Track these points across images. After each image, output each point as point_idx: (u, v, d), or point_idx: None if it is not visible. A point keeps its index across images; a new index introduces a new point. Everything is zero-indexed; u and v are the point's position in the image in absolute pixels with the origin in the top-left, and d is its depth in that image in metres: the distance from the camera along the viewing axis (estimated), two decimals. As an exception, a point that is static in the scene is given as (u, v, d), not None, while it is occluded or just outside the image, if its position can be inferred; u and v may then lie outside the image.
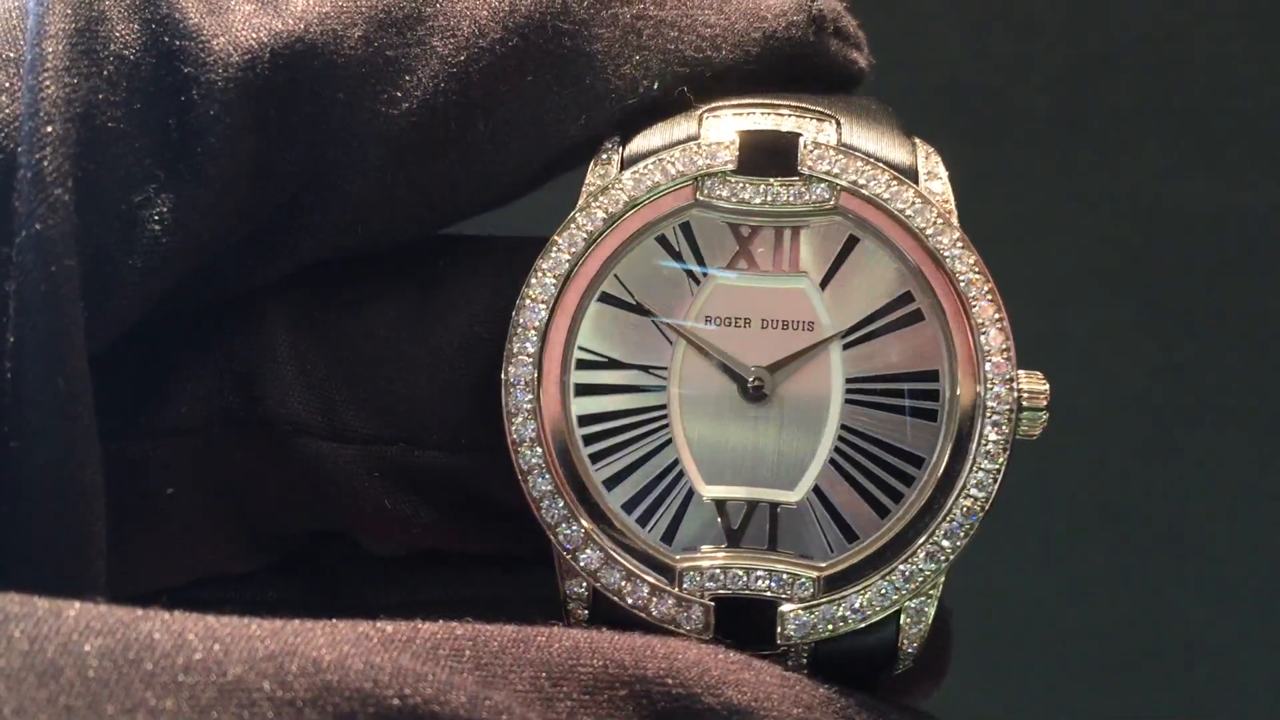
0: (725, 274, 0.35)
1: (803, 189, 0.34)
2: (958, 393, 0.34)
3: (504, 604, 0.37)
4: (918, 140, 0.36)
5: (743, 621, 0.33)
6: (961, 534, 0.33)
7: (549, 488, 0.34)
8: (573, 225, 0.35)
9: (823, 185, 0.34)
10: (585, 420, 0.35)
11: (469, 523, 0.37)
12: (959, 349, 0.34)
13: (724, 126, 0.35)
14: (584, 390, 0.35)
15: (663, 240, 0.35)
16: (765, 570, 0.34)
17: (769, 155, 0.35)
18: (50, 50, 0.30)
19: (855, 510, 0.34)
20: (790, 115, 0.35)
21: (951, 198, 0.35)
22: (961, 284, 0.34)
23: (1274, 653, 0.85)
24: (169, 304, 0.34)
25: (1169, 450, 0.86)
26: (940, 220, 0.34)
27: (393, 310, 0.36)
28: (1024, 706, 0.87)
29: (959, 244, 0.34)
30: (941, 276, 0.34)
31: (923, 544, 0.33)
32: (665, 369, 0.35)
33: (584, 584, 0.34)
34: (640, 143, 0.35)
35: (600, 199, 0.35)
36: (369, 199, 0.34)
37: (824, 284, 0.35)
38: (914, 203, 0.34)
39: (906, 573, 0.33)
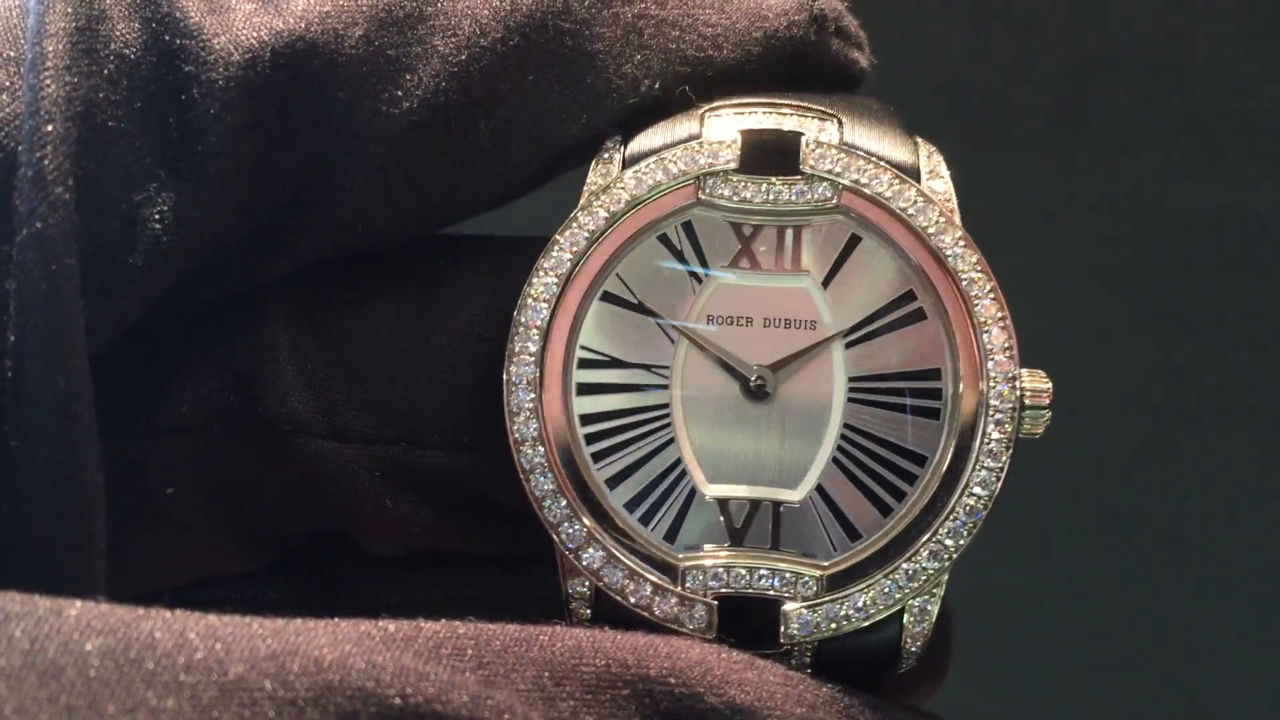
0: (727, 273, 0.35)
1: (805, 188, 0.34)
2: (960, 391, 0.34)
3: (505, 604, 0.37)
4: (920, 139, 0.36)
5: (746, 620, 0.33)
6: (964, 532, 0.33)
7: (551, 487, 0.34)
8: (574, 224, 0.35)
9: (825, 184, 0.34)
10: (587, 419, 0.34)
11: (469, 523, 0.37)
12: (961, 347, 0.34)
13: (726, 125, 0.35)
14: (586, 389, 0.35)
15: (665, 239, 0.35)
16: (768, 569, 0.34)
17: (771, 154, 0.35)
18: (51, 49, 0.30)
19: (858, 509, 0.34)
20: (792, 114, 0.35)
21: (954, 197, 0.35)
22: (964, 282, 0.34)
23: (1274, 653, 0.85)
24: (169, 303, 0.34)
25: (1169, 450, 0.86)
26: (942, 219, 0.34)
27: (393, 309, 0.36)
28: (1024, 706, 0.87)
29: (961, 242, 0.34)
30: (944, 275, 0.34)
31: (926, 542, 0.33)
32: (667, 368, 0.35)
33: (586, 583, 0.34)
34: (642, 142, 0.35)
35: (602, 198, 0.35)
36: (370, 198, 0.34)
37: (826, 283, 0.35)
38: (916, 201, 0.34)
39: (910, 571, 0.33)
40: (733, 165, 0.34)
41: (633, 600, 0.33)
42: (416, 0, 0.34)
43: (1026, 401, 0.34)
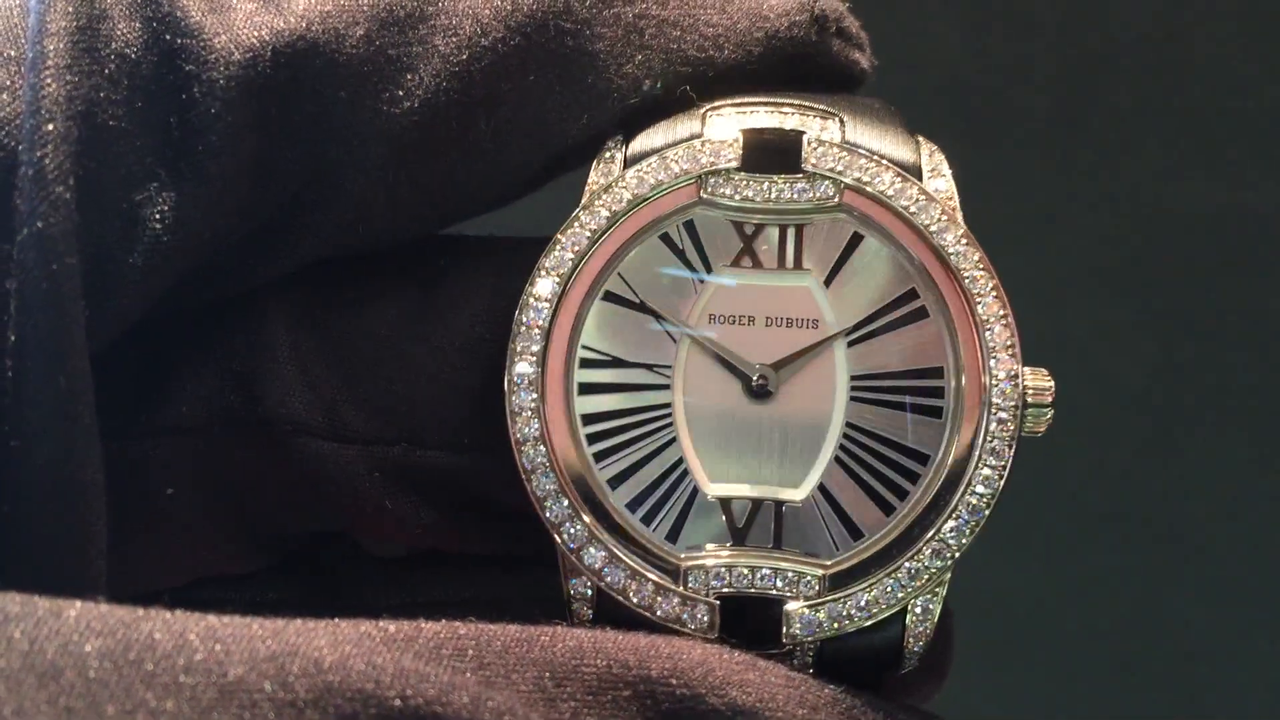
0: (729, 272, 0.35)
1: (806, 186, 0.34)
2: (963, 389, 0.34)
3: (505, 604, 0.37)
4: (921, 138, 0.36)
5: (748, 620, 0.33)
6: (967, 530, 0.33)
7: (553, 487, 0.34)
8: (576, 223, 0.35)
9: (826, 183, 0.34)
10: (589, 419, 0.34)
11: (470, 523, 0.37)
12: (964, 345, 0.34)
13: (727, 124, 0.35)
14: (588, 389, 0.35)
15: (666, 238, 0.35)
16: (770, 569, 0.33)
17: (773, 153, 0.34)
18: (51, 48, 0.30)
19: (860, 508, 0.34)
20: (794, 113, 0.35)
21: (955, 195, 0.35)
22: (966, 280, 0.34)
23: (1274, 653, 0.85)
24: (170, 302, 0.34)
25: (1169, 450, 0.86)
26: (944, 217, 0.34)
27: (394, 309, 0.36)
28: (1024, 706, 0.87)
29: (963, 240, 0.34)
30: (946, 273, 0.34)
31: (929, 540, 0.33)
32: (669, 368, 0.35)
33: (588, 583, 0.34)
34: (643, 141, 0.35)
35: (604, 197, 0.35)
36: (370, 198, 0.34)
37: (828, 281, 0.35)
38: (918, 200, 0.34)
39: (912, 570, 0.33)
40: (734, 164, 0.34)
41: (634, 600, 0.33)
42: (418, 0, 0.33)
43: (1029, 399, 0.34)
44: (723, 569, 0.34)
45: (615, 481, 0.34)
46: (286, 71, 0.32)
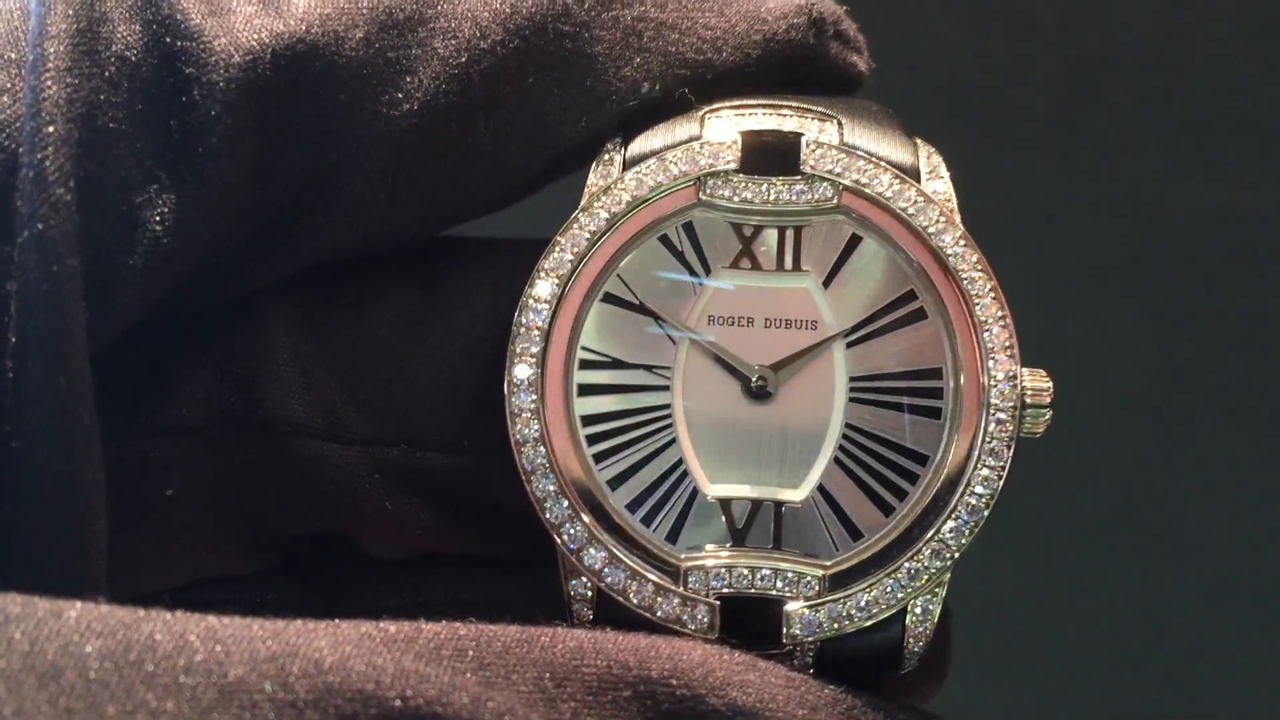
0: (728, 274, 0.35)
1: (805, 188, 0.35)
2: (961, 390, 0.34)
3: (505, 605, 0.37)
4: (919, 141, 0.36)
5: (748, 621, 0.33)
6: (967, 531, 0.33)
7: (553, 488, 0.34)
8: (575, 225, 0.35)
9: (825, 184, 0.34)
10: (588, 420, 0.34)
11: (470, 524, 0.37)
12: (962, 346, 0.34)
13: (726, 127, 0.35)
14: (587, 390, 0.35)
15: (665, 240, 0.35)
16: (770, 569, 0.34)
17: (771, 155, 0.35)
18: (52, 51, 0.30)
19: (860, 508, 0.34)
20: (792, 115, 0.35)
21: (953, 197, 0.35)
22: (964, 282, 0.34)
23: (1274, 653, 0.85)
24: (170, 304, 0.34)
25: (1169, 450, 0.86)
26: (942, 219, 0.34)
27: (394, 311, 0.36)
28: (1024, 706, 0.86)
29: (961, 242, 0.34)
30: (944, 274, 0.34)
31: (928, 541, 0.33)
32: (669, 369, 0.35)
33: (588, 584, 0.34)
34: (642, 143, 0.35)
35: (603, 199, 0.35)
36: (370, 200, 0.34)
37: (827, 283, 0.35)
38: (916, 201, 0.34)
39: (912, 570, 0.33)
40: (733, 166, 0.35)
41: (635, 601, 0.33)
42: (417, 3, 0.34)
43: (1027, 400, 0.34)
44: (723, 569, 0.34)
45: (615, 483, 0.34)
46: (286, 74, 0.32)
